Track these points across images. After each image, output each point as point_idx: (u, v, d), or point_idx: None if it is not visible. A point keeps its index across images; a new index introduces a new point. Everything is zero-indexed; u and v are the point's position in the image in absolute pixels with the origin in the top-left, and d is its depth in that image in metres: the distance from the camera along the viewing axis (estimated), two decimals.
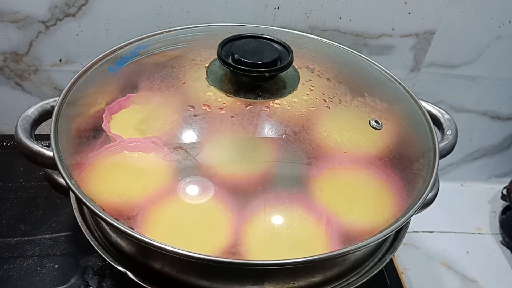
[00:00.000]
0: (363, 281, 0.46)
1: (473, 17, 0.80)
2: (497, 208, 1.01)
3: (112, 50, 0.63)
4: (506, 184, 0.99)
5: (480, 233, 0.96)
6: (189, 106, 0.66)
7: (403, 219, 0.45)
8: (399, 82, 0.61)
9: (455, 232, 0.96)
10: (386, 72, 0.64)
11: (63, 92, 0.55)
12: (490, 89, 0.91)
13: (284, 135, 0.64)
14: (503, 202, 0.99)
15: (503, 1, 0.79)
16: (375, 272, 0.47)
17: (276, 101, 0.65)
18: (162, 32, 0.67)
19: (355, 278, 0.46)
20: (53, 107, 0.54)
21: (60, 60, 0.79)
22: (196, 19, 0.76)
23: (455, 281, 0.86)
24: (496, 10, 0.80)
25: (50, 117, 0.54)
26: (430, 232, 0.95)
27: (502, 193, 0.99)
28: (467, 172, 1.05)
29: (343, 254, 0.41)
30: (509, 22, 0.82)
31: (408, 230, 0.55)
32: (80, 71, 0.58)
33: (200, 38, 0.68)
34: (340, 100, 0.69)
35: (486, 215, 1.00)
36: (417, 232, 0.94)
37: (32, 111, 0.53)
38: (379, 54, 0.83)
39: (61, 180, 0.51)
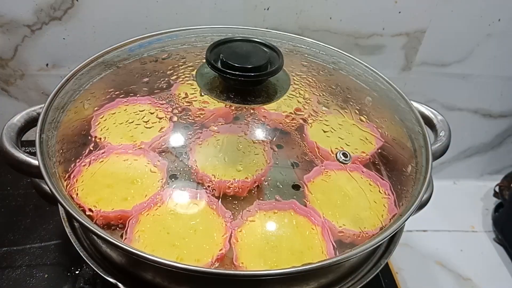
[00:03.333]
0: (359, 287, 0.46)
1: (463, 16, 0.80)
2: (489, 205, 1.01)
3: (100, 54, 0.61)
4: (498, 181, 0.99)
5: (473, 231, 0.96)
6: (178, 111, 0.65)
7: (398, 223, 0.44)
8: (391, 85, 0.61)
9: (449, 231, 0.96)
10: (378, 74, 0.63)
11: (49, 98, 0.54)
12: (481, 87, 0.91)
13: (275, 138, 0.63)
14: (495, 199, 1.00)
15: None
16: (370, 277, 0.46)
17: (266, 105, 0.64)
18: (152, 35, 0.66)
19: (350, 284, 0.46)
20: (39, 114, 0.53)
21: (47, 65, 0.77)
22: (185, 21, 0.75)
23: (450, 280, 0.86)
24: (486, 8, 0.80)
25: (36, 125, 0.53)
26: (424, 231, 0.95)
27: (494, 190, 0.99)
28: (459, 170, 1.06)
29: (336, 263, 0.40)
30: (499, 20, 0.82)
31: None
32: (67, 76, 0.57)
33: (190, 41, 0.67)
34: (331, 104, 0.69)
35: (479, 212, 1.01)
36: (411, 231, 0.94)
37: (18, 118, 0.52)
38: (370, 53, 0.83)
39: (48, 189, 0.50)
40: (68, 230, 0.48)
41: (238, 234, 0.48)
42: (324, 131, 0.61)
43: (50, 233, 0.65)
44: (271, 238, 0.48)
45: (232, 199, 0.54)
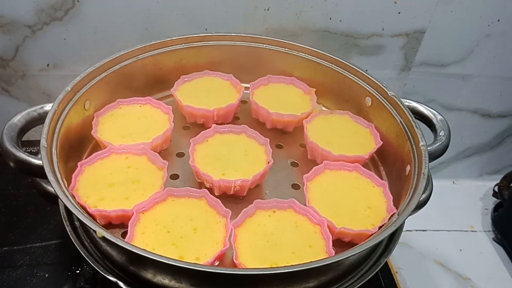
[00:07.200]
0: (358, 286, 0.46)
1: (463, 16, 0.80)
2: (489, 205, 1.02)
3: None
4: (498, 181, 0.99)
5: (472, 231, 0.97)
6: (178, 111, 0.65)
7: (397, 222, 0.45)
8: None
9: (448, 230, 0.96)
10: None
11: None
12: (480, 87, 0.91)
13: (275, 138, 0.64)
14: (495, 199, 1.00)
15: (492, 0, 0.79)
16: (370, 276, 0.46)
17: (267, 105, 0.64)
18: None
19: (350, 282, 0.46)
20: (40, 114, 0.53)
21: (48, 65, 0.78)
22: (185, 21, 0.75)
23: (449, 279, 0.86)
24: (485, 8, 0.80)
25: (37, 125, 0.53)
26: (424, 230, 0.95)
27: (493, 190, 1.00)
28: (459, 170, 1.06)
29: (336, 262, 0.41)
30: (498, 20, 0.82)
31: None
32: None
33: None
34: (331, 104, 0.69)
35: (478, 212, 1.01)
36: (411, 231, 0.94)
37: (19, 118, 0.52)
38: (369, 54, 0.83)
39: (50, 188, 0.50)
40: (68, 229, 0.49)
41: (238, 232, 0.48)
42: (324, 131, 0.61)
43: (50, 233, 0.65)
44: (271, 237, 0.48)
45: (232, 198, 0.54)
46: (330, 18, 0.78)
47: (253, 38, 0.69)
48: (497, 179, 1.00)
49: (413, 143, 0.54)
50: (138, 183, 0.52)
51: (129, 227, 0.47)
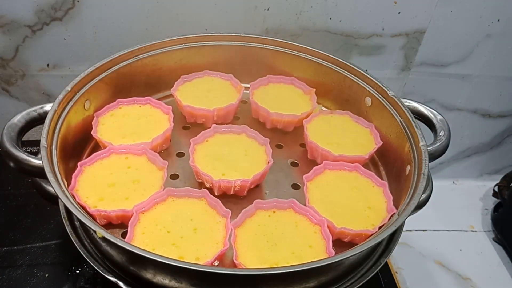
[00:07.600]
0: (358, 286, 0.46)
1: (463, 16, 0.80)
2: (489, 205, 1.02)
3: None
4: (498, 181, 0.99)
5: (472, 231, 0.97)
6: (178, 111, 0.65)
7: (397, 222, 0.45)
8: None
9: (448, 230, 0.96)
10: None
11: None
12: (480, 87, 0.91)
13: (275, 138, 0.64)
14: (494, 199, 1.00)
15: (492, 0, 0.79)
16: (369, 276, 0.46)
17: (267, 105, 0.64)
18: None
19: (350, 283, 0.46)
20: (40, 114, 0.53)
21: (48, 65, 0.78)
22: (185, 21, 0.75)
23: (449, 279, 0.86)
24: (485, 8, 0.80)
25: (37, 125, 0.53)
26: (424, 230, 0.95)
27: (493, 190, 1.00)
28: (458, 170, 1.06)
29: (336, 262, 0.41)
30: (498, 20, 0.82)
31: None
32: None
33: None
34: (331, 104, 0.69)
35: (478, 212, 1.01)
36: (411, 231, 0.94)
37: (19, 119, 0.52)
38: (370, 54, 0.83)
39: (50, 188, 0.50)
40: (68, 229, 0.49)
41: (238, 233, 0.48)
42: (324, 131, 0.61)
43: (50, 233, 0.65)
44: (271, 237, 0.48)
45: (232, 198, 0.54)
46: (330, 18, 0.78)
47: (253, 38, 0.69)
48: (497, 179, 1.00)
49: (413, 143, 0.54)
50: (138, 183, 0.52)
51: (129, 227, 0.47)
